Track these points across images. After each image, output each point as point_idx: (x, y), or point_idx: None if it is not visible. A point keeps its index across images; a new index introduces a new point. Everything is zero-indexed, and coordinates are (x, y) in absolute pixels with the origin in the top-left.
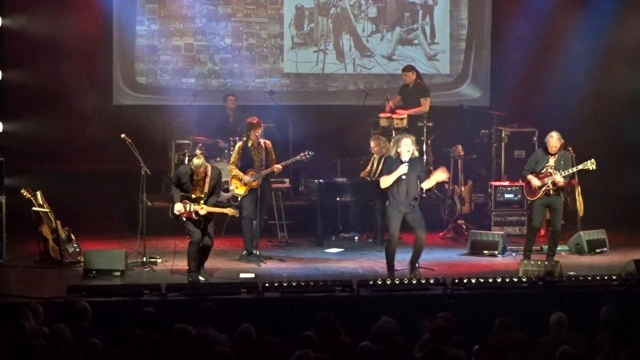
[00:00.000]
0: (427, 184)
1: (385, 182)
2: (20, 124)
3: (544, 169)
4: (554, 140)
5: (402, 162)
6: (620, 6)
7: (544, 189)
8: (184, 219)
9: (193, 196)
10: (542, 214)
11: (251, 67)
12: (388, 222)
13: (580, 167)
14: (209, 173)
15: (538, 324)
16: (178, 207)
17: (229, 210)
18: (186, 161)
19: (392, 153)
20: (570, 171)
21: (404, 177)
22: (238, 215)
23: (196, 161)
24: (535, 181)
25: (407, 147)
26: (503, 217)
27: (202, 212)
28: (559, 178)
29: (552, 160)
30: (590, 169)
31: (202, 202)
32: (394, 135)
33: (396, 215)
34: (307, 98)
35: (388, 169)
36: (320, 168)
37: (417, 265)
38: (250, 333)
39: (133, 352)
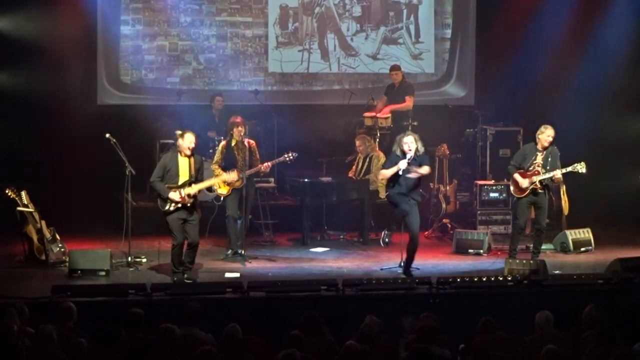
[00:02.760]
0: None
1: (383, 174)
2: (4, 124)
3: (532, 167)
4: (549, 131)
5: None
6: (607, 4)
7: (531, 187)
8: (179, 206)
9: (180, 182)
10: (527, 212)
11: (236, 67)
12: (398, 206)
13: (570, 169)
14: (192, 159)
15: (523, 323)
16: (174, 196)
17: (227, 176)
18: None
19: (398, 152)
20: (564, 171)
21: (400, 173)
22: (236, 178)
23: (187, 133)
24: (522, 181)
25: (408, 145)
26: (488, 216)
27: (193, 191)
28: (558, 174)
29: (540, 158)
30: (580, 172)
31: (190, 184)
32: (378, 134)
33: (400, 198)
34: (291, 97)
35: (390, 165)
36: (305, 167)
37: (410, 269)
38: (236, 333)
39: (118, 352)
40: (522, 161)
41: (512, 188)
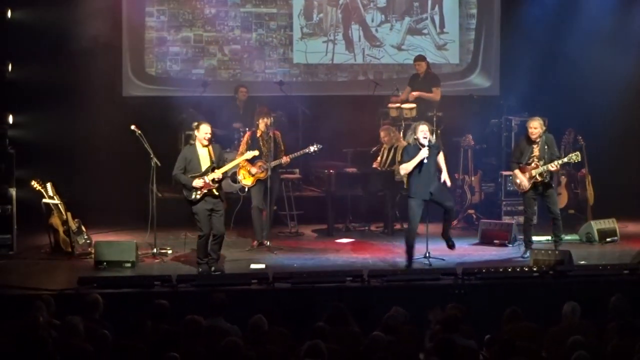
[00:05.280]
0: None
1: (406, 168)
2: (30, 116)
3: (530, 160)
4: (533, 122)
5: (420, 149)
6: None
7: (532, 181)
8: (205, 191)
9: (203, 169)
10: (534, 203)
11: (261, 58)
12: (409, 212)
13: (565, 160)
14: (210, 147)
15: (548, 314)
16: (198, 182)
17: (248, 154)
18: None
19: (410, 141)
20: (560, 162)
21: (425, 161)
22: (258, 153)
23: (203, 123)
24: (522, 178)
25: (423, 134)
26: (513, 206)
27: (217, 175)
28: (552, 168)
29: (536, 150)
30: (575, 161)
31: (213, 170)
32: (403, 125)
33: (417, 205)
34: (316, 88)
35: (409, 157)
36: (330, 158)
37: (450, 236)
38: (262, 324)
39: (144, 343)
40: (520, 156)
41: (514, 184)
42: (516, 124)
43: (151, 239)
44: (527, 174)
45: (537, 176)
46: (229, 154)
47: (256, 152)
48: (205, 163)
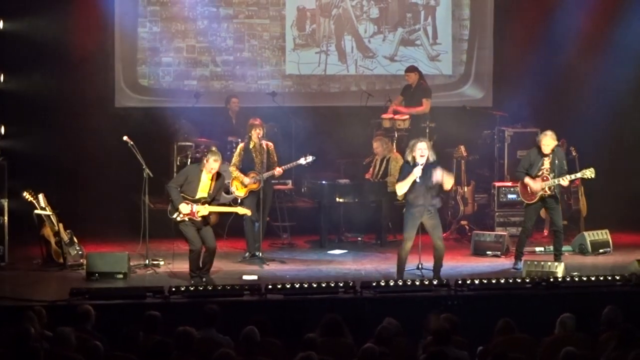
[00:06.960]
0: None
1: (400, 188)
2: (22, 127)
3: (540, 172)
4: (547, 138)
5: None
6: (623, 4)
7: (540, 193)
8: (186, 219)
9: (197, 197)
10: (536, 216)
11: (253, 69)
12: (404, 228)
13: (579, 175)
14: (214, 180)
15: (541, 325)
16: (184, 208)
17: (239, 209)
18: (188, 162)
19: (409, 158)
20: (572, 177)
21: (418, 180)
22: (250, 214)
23: (215, 156)
24: (534, 185)
25: (421, 152)
26: (506, 217)
27: (204, 212)
28: (564, 182)
29: (547, 163)
30: (589, 177)
31: (205, 203)
32: (396, 136)
33: (412, 221)
34: (309, 99)
35: (404, 175)
36: (323, 169)
37: (439, 273)
38: (254, 335)
39: (136, 355)
40: (528, 167)
41: (521, 194)
42: (509, 135)
43: (143, 250)
44: (540, 186)
45: (547, 189)
46: (222, 165)
47: (248, 212)
48: (203, 189)
